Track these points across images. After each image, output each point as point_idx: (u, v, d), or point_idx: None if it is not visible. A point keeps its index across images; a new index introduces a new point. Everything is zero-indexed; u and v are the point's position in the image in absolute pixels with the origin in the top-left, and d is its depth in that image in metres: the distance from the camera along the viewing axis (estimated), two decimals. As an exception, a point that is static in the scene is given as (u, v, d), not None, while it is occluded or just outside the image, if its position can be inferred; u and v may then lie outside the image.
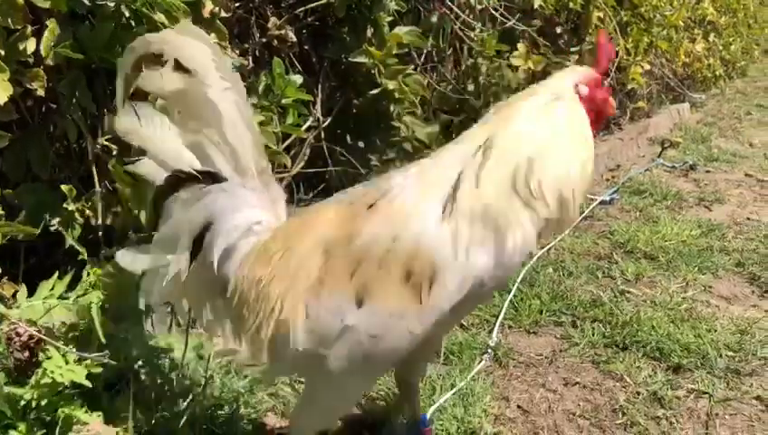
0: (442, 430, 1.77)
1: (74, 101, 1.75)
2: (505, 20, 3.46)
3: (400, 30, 2.74)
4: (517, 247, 1.23)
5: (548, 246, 3.05)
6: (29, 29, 1.56)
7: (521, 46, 3.20)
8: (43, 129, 1.83)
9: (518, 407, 1.92)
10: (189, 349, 1.81)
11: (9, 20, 1.51)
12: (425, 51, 3.29)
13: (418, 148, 2.86)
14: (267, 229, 1.37)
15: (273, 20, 2.60)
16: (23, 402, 1.41)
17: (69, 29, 1.68)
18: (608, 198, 3.86)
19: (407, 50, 2.84)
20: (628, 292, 2.64)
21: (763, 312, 2.51)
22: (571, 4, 3.92)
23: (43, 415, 1.43)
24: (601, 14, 4.58)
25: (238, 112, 1.40)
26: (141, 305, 1.71)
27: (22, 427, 1.39)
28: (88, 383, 1.44)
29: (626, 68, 4.82)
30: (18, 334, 1.43)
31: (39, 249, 1.83)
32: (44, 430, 1.41)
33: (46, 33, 1.62)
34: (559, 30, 4.39)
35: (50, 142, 1.84)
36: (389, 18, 2.79)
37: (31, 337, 1.44)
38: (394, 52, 2.75)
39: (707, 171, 4.79)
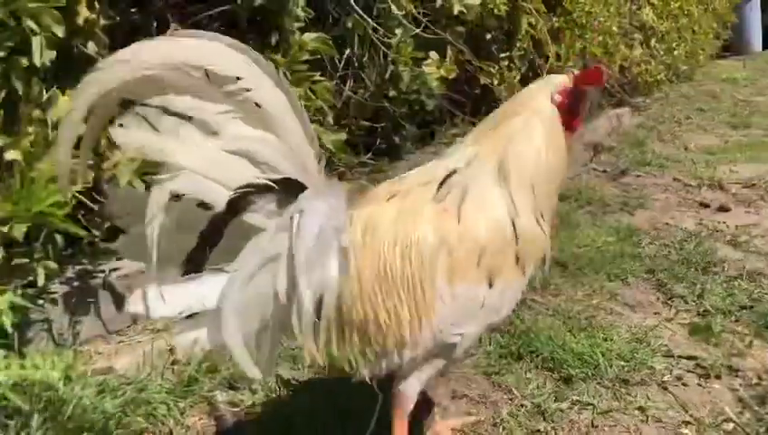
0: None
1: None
2: (428, 26, 3.46)
3: (308, 36, 2.70)
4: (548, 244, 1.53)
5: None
6: None
7: (433, 54, 3.19)
8: None
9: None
10: (59, 369, 1.76)
11: None
12: (344, 57, 3.27)
13: (330, 156, 2.83)
14: (349, 227, 1.39)
15: (173, 26, 2.55)
16: None
17: None
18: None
19: (319, 56, 2.81)
20: (533, 300, 2.65)
21: (662, 319, 2.53)
22: (495, 11, 3.92)
23: None
24: (533, 20, 4.61)
25: (291, 110, 1.31)
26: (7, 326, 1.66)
27: None
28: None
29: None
30: None
31: None
32: None
33: None
34: (488, 36, 4.41)
35: None
36: (300, 24, 2.76)
37: None
38: (304, 58, 2.73)
39: (638, 176, 4.85)
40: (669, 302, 2.70)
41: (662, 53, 7.94)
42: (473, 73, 4.00)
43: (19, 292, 1.81)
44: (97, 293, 2.13)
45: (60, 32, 1.84)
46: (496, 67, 4.06)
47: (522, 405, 1.98)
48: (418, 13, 3.34)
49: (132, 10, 2.43)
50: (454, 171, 1.50)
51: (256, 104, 1.28)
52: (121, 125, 1.20)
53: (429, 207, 1.46)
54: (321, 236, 1.31)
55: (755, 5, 13.11)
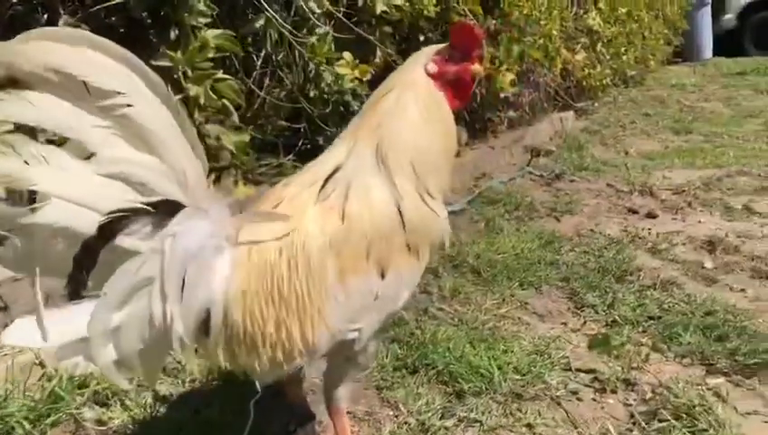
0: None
1: None
2: (349, 26, 3.37)
3: (211, 33, 2.59)
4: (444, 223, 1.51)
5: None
6: None
7: (347, 54, 3.10)
8: None
9: (275, 440, 1.80)
10: None
11: None
12: (261, 56, 3.17)
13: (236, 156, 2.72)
14: (235, 243, 1.35)
15: (64, 17, 2.41)
16: None
17: None
18: (457, 208, 3.82)
19: (226, 54, 2.69)
20: (441, 309, 2.58)
21: (568, 330, 2.48)
22: (425, 12, 3.85)
23: None
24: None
25: (175, 126, 1.25)
26: None
27: None
28: None
29: (492, 76, 4.80)
30: None
31: None
32: None
33: None
34: (422, 38, 4.34)
35: None
36: (207, 20, 2.65)
37: None
38: (210, 55, 2.61)
39: (572, 180, 4.84)
40: (579, 311, 2.66)
41: (609, 57, 7.98)
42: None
43: None
44: (-41, 301, 1.99)
45: None
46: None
47: (406, 423, 1.90)
48: (338, 11, 3.24)
49: (14, 0, 2.29)
50: (337, 168, 1.46)
51: (137, 121, 1.21)
52: None
53: (314, 210, 1.42)
54: (200, 255, 1.29)
55: (706, 12, 13.32)
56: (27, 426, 1.77)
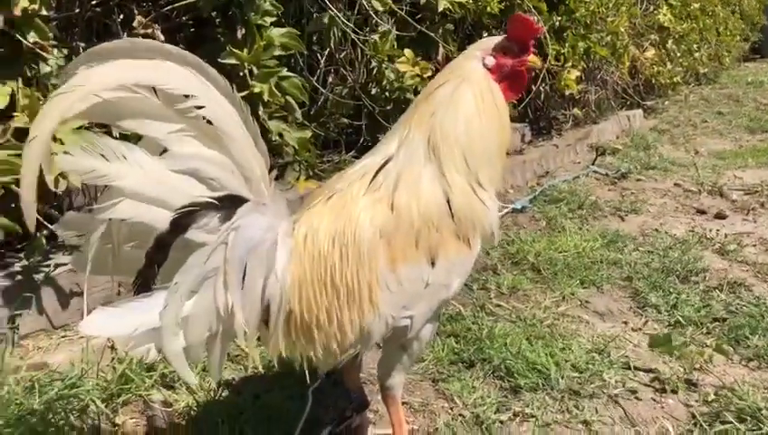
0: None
1: None
2: (411, 23, 3.39)
3: (276, 31, 2.66)
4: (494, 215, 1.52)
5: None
6: None
7: (408, 52, 3.12)
8: None
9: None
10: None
11: None
12: (326, 54, 3.23)
13: (298, 153, 2.79)
14: (293, 230, 1.42)
15: (138, 18, 2.52)
16: None
17: None
18: (519, 206, 3.80)
19: (290, 52, 2.76)
20: (499, 305, 2.58)
21: (629, 329, 2.44)
22: (488, 9, 3.84)
23: None
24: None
25: (242, 126, 1.32)
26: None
27: None
28: None
29: (557, 73, 4.75)
30: None
31: None
32: None
33: None
34: (485, 34, 4.33)
35: None
36: (272, 19, 2.72)
37: None
38: (276, 53, 2.69)
39: (638, 180, 4.73)
40: (641, 311, 2.61)
41: (679, 54, 7.75)
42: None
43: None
44: (40, 288, 2.11)
45: (-1, 23, 1.82)
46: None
47: (460, 415, 1.91)
48: (401, 9, 3.28)
49: (93, 2, 2.41)
50: (388, 159, 1.49)
51: (207, 121, 1.28)
52: (67, 153, 1.19)
53: (364, 201, 1.45)
54: (260, 247, 1.34)
55: (787, 7, 12.78)
56: (100, 404, 1.87)
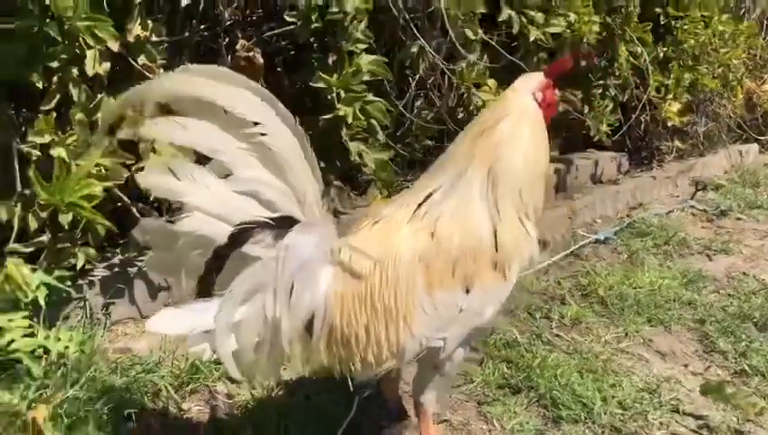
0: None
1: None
2: (503, 53, 3.48)
3: (365, 58, 2.84)
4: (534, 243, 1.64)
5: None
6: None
7: (491, 81, 3.21)
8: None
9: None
10: (75, 343, 2.00)
11: None
12: (416, 79, 3.37)
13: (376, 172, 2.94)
14: (339, 251, 1.57)
15: (241, 42, 2.76)
16: None
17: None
18: (602, 237, 3.78)
19: (379, 78, 2.92)
20: (558, 335, 2.62)
21: (687, 372, 2.42)
22: (585, 39, 3.85)
23: None
24: (637, 49, 4.47)
25: (299, 151, 1.50)
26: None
27: None
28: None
29: (657, 105, 4.67)
30: None
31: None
32: None
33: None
34: (583, 63, 4.34)
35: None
36: (364, 46, 2.90)
37: None
38: (365, 78, 2.86)
39: (738, 219, 4.55)
40: (706, 355, 2.57)
41: (806, 88, 7.32)
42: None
43: (56, 273, 2.08)
44: (133, 280, 2.37)
45: (114, 47, 2.10)
46: (578, 95, 3.99)
47: (497, 438, 1.99)
48: (491, 39, 3.37)
49: (202, 27, 2.67)
50: (433, 191, 1.62)
51: (269, 148, 1.47)
52: (143, 170, 1.50)
53: (407, 228, 1.60)
54: (308, 265, 1.52)
55: None
56: (171, 390, 2.09)
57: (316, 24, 2.67)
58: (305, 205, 1.54)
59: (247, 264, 1.48)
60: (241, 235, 1.47)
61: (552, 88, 1.69)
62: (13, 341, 1.88)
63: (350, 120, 2.74)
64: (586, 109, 4.33)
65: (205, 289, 1.51)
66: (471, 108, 3.43)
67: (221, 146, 1.46)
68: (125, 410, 1.95)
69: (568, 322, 2.74)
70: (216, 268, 1.49)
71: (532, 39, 3.43)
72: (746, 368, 2.44)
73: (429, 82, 3.29)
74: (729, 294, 3.13)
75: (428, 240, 1.57)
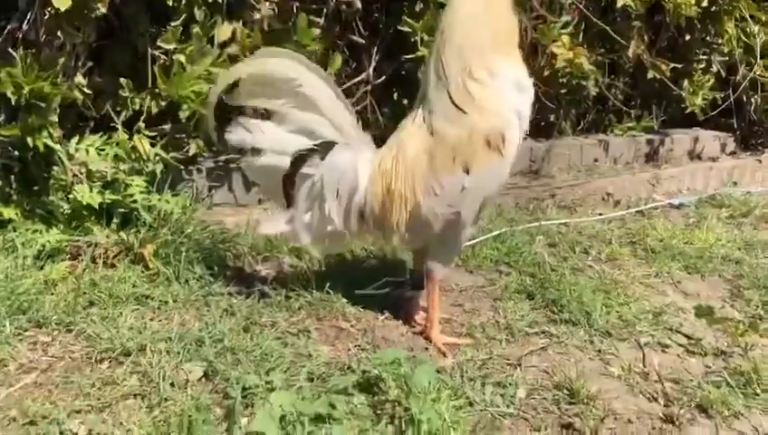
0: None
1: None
2: (591, 18, 3.72)
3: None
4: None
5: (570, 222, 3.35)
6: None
7: (565, 37, 3.46)
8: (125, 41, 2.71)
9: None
10: (179, 207, 2.58)
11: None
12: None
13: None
14: (374, 159, 2.09)
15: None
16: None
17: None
18: (676, 202, 3.93)
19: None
20: (590, 266, 2.89)
21: (698, 306, 2.59)
22: (684, 11, 3.97)
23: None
24: (749, 27, 4.49)
25: (330, 93, 2.07)
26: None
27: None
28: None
29: (765, 86, 4.65)
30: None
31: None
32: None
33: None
34: (688, 37, 4.45)
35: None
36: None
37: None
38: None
39: (841, 207, 4.46)
40: (729, 300, 2.74)
41: None
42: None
43: (172, 154, 2.67)
44: (232, 173, 2.94)
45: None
46: (669, 65, 4.12)
47: (497, 321, 2.33)
48: (580, 3, 3.63)
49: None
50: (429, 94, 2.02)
51: (306, 94, 2.05)
52: (230, 132, 2.09)
53: (410, 129, 2.05)
54: (346, 174, 2.08)
55: None
56: (249, 257, 2.63)
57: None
58: (342, 130, 2.09)
59: (305, 181, 2.08)
60: (298, 160, 2.07)
61: None
62: (133, 195, 2.49)
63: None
64: (685, 82, 4.43)
65: (289, 201, 2.13)
66: (555, 65, 3.70)
67: (273, 102, 2.07)
68: (210, 261, 2.51)
69: (604, 257, 3.00)
70: (290, 185, 2.11)
71: (619, 6, 3.64)
72: (762, 313, 2.60)
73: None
74: (784, 263, 3.21)
75: (428, 136, 1.99)
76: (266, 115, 2.14)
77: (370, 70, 3.35)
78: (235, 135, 2.06)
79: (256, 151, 2.09)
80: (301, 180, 2.08)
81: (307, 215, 2.11)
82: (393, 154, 2.06)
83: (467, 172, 1.97)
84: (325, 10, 3.24)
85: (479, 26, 1.90)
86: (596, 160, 4.25)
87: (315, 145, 2.06)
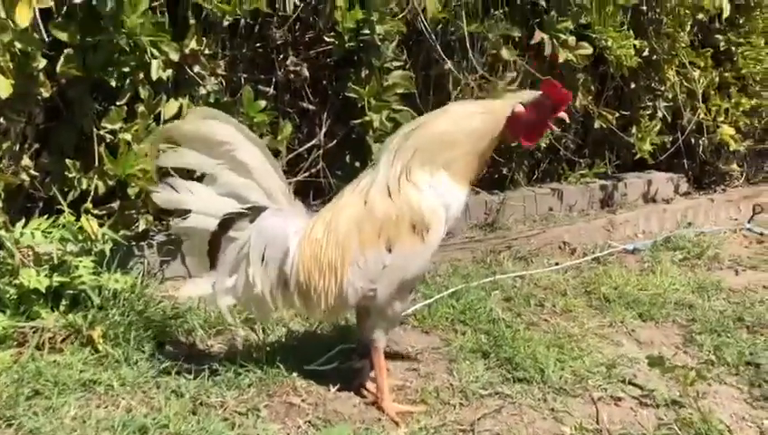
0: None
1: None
2: (531, 72, 3.84)
3: (395, 74, 3.31)
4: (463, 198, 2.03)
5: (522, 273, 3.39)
6: (39, 53, 2.43)
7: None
8: (71, 122, 2.73)
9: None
10: (128, 285, 2.56)
11: (29, 47, 2.39)
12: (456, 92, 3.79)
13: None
14: (303, 229, 2.09)
15: (291, 59, 3.32)
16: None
17: (80, 54, 2.54)
18: (630, 248, 3.99)
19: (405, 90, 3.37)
20: (545, 320, 2.92)
21: (650, 356, 2.62)
22: (625, 63, 4.11)
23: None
24: (694, 73, 4.66)
25: (263, 160, 2.09)
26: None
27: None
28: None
29: (711, 129, 4.81)
30: None
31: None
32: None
33: (62, 58, 2.49)
34: (633, 85, 4.59)
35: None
36: (399, 63, 3.39)
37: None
38: (397, 91, 3.34)
39: (792, 242, 4.57)
40: (682, 346, 2.78)
41: None
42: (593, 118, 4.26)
43: (121, 232, 2.67)
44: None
45: (175, 58, 2.69)
46: (616, 114, 4.25)
47: (451, 385, 2.33)
48: (522, 58, 3.75)
49: (257, 45, 3.24)
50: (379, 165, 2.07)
51: (238, 159, 2.06)
52: (157, 192, 2.13)
53: (350, 200, 2.07)
54: (275, 240, 2.08)
55: None
56: (201, 332, 2.60)
57: (350, 44, 3.17)
58: (272, 196, 2.10)
59: (231, 244, 2.08)
60: (226, 223, 2.07)
61: (543, 109, 2.00)
62: (81, 276, 2.47)
63: (376, 124, 3.21)
64: (634, 129, 4.55)
65: (213, 263, 2.14)
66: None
67: (205, 163, 2.09)
68: (161, 338, 2.48)
69: (558, 310, 3.03)
70: (215, 248, 2.11)
71: (561, 60, 3.76)
72: (713, 359, 2.64)
73: (461, 96, 3.69)
74: (736, 302, 3.27)
75: (362, 207, 2.01)
76: (198, 178, 2.16)
77: (321, 135, 3.40)
78: (162, 195, 2.08)
79: (184, 212, 2.09)
80: (227, 243, 2.08)
81: (231, 279, 2.10)
82: (326, 221, 2.06)
83: (389, 250, 1.98)
84: (274, 79, 3.31)
85: (442, 143, 1.97)
86: (551, 209, 4.32)
87: (244, 209, 2.06)
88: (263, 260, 2.06)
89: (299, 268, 2.05)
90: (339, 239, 2.01)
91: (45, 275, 2.43)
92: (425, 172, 1.97)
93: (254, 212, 2.07)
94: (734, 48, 4.92)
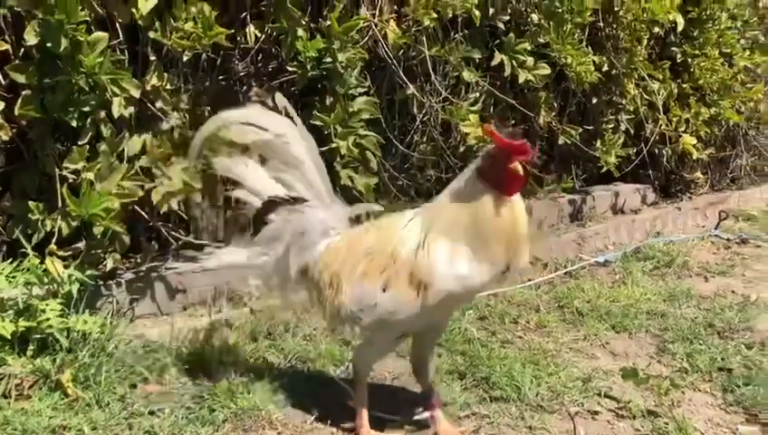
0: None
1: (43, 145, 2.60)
2: (494, 93, 3.89)
3: (359, 100, 3.33)
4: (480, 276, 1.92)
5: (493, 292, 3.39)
6: (-3, 96, 2.41)
7: (473, 116, 3.59)
8: (32, 164, 2.70)
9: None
10: (97, 326, 2.52)
11: (-15, 91, 2.37)
12: (420, 116, 3.82)
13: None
14: (337, 232, 2.14)
15: (255, 89, 3.32)
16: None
17: (39, 96, 2.52)
18: (601, 260, 4.04)
19: (370, 116, 3.39)
20: (520, 337, 2.93)
21: (624, 368, 2.64)
22: (586, 79, 4.17)
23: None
24: (654, 86, 4.75)
25: (311, 156, 2.17)
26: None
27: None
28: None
29: (673, 139, 4.90)
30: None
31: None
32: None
33: (19, 101, 2.47)
34: (595, 100, 4.66)
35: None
36: (363, 90, 3.41)
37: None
38: (363, 117, 3.35)
39: (758, 246, 4.67)
40: (656, 356, 2.80)
41: None
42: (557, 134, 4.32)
43: (88, 272, 2.63)
44: (154, 283, 2.90)
45: (136, 94, 2.67)
46: (579, 129, 4.31)
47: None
48: (484, 79, 3.80)
49: (220, 77, 3.24)
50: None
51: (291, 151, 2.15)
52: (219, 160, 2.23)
53: (376, 232, 2.09)
54: (309, 232, 2.14)
55: None
56: (174, 369, 2.56)
57: (313, 73, 3.18)
58: (314, 191, 2.16)
59: (272, 225, 2.16)
60: (269, 205, 2.15)
61: (500, 163, 1.87)
62: (49, 320, 2.42)
63: (343, 151, 3.21)
64: (598, 143, 4.62)
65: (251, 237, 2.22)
66: (468, 141, 3.82)
67: (264, 146, 2.17)
68: (132, 379, 2.44)
69: (533, 326, 3.05)
70: (257, 225, 2.19)
71: (521, 81, 3.81)
72: (687, 366, 2.66)
73: (424, 119, 3.72)
74: (706, 309, 3.32)
75: (384, 238, 2.03)
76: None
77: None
78: (222, 162, 2.21)
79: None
80: (268, 223, 2.17)
81: (263, 257, 2.18)
82: (357, 234, 2.12)
83: (384, 290, 1.97)
84: (238, 111, 3.30)
85: (465, 225, 1.91)
86: (522, 226, 4.34)
87: (289, 196, 2.14)
88: (294, 246, 2.13)
89: (322, 267, 2.10)
90: (352, 258, 2.04)
91: (11, 321, 2.38)
92: (446, 250, 1.91)
93: (298, 202, 2.14)
94: (690, 60, 5.04)
